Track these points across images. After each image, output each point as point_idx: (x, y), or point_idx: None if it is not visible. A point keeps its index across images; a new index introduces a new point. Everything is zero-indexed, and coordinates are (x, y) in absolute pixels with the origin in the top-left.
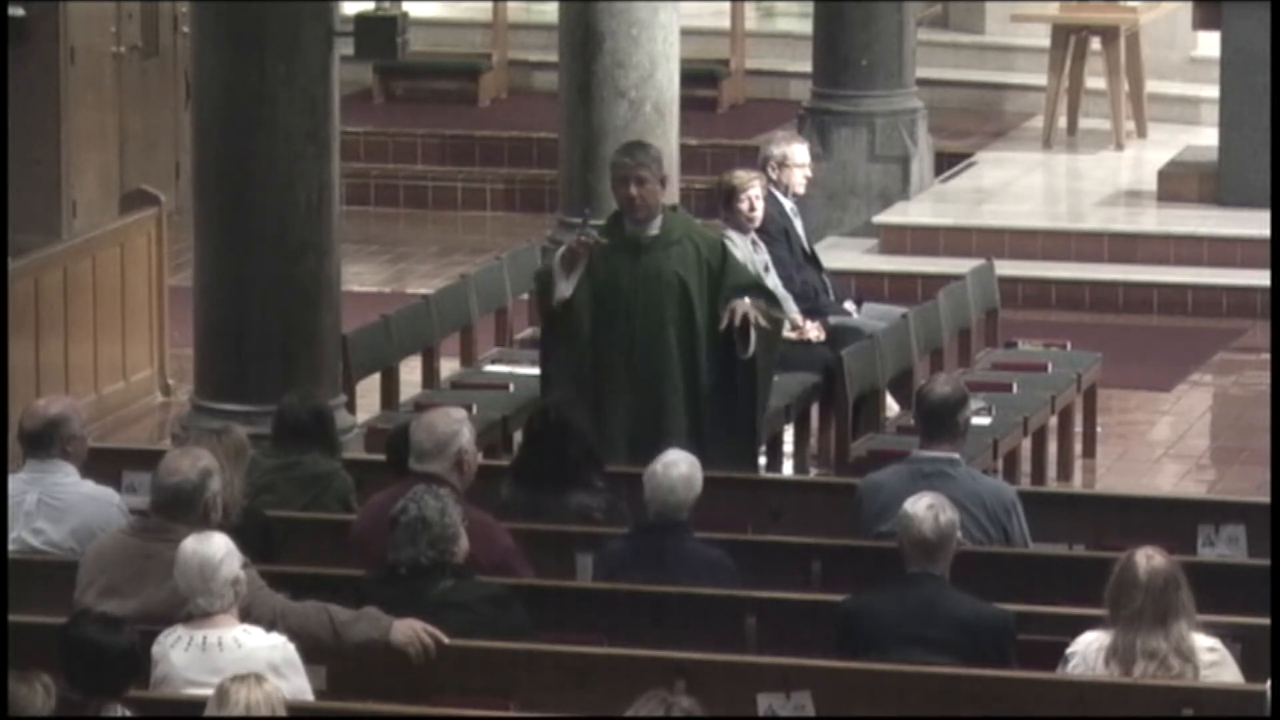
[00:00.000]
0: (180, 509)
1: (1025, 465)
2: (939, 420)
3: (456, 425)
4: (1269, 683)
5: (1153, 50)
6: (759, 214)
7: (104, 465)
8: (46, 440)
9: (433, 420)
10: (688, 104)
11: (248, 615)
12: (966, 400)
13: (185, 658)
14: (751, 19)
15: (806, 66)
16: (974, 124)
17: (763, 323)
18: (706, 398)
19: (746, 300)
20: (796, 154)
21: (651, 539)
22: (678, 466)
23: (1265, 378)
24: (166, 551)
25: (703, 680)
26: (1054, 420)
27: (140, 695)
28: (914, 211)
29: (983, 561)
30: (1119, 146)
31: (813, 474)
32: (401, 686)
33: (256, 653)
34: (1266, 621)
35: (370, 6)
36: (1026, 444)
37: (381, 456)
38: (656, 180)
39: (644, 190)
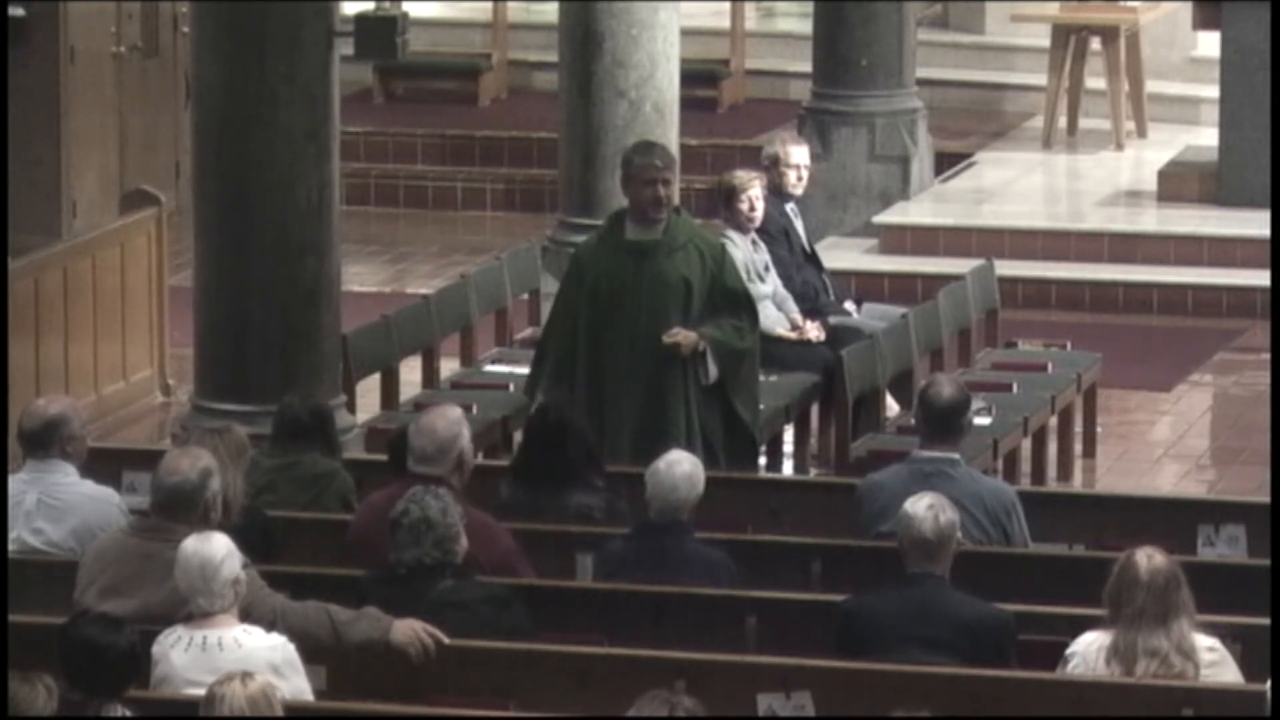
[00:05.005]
0: (180, 509)
1: (1025, 465)
2: (944, 422)
3: (456, 427)
4: (1269, 683)
5: (1153, 50)
6: (759, 214)
7: (104, 465)
8: (46, 440)
9: (432, 423)
10: (688, 104)
11: (248, 615)
12: (970, 402)
13: (185, 658)
14: (751, 19)
15: (806, 66)
16: (974, 124)
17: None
18: (705, 400)
19: (684, 332)
20: (795, 154)
21: (652, 538)
22: (680, 465)
23: (1265, 378)
24: (166, 551)
25: (703, 680)
26: (1054, 420)
27: (140, 695)
28: (914, 211)
29: (983, 561)
30: (1119, 146)
31: (813, 474)
32: (401, 686)
33: (256, 653)
34: (1266, 621)
35: (370, 6)
36: (1026, 444)
37: (382, 456)
38: (675, 183)
39: (669, 192)
